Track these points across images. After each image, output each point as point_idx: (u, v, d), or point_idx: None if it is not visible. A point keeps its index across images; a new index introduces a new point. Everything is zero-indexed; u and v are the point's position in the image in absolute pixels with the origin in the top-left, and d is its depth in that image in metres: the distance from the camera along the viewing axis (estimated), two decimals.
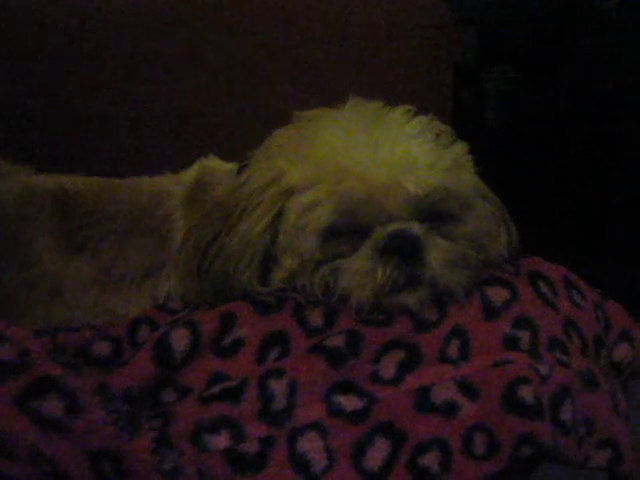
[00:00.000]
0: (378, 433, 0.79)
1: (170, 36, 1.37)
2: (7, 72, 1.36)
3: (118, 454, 0.73)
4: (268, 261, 0.90)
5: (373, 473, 0.78)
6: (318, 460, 0.78)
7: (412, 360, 0.83)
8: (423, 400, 0.81)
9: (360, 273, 0.85)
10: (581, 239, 2.00)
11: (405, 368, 0.82)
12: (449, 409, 0.80)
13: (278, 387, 0.80)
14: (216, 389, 0.80)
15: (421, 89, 1.37)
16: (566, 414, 0.83)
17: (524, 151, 2.13)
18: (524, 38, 2.13)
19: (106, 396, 0.76)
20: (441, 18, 1.40)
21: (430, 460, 0.79)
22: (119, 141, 1.37)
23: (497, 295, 0.88)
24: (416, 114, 0.92)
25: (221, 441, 0.77)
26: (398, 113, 0.92)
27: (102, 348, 0.85)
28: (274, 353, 0.83)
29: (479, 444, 0.80)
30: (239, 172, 0.97)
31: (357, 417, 0.80)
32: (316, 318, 0.85)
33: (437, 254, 0.85)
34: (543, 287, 0.90)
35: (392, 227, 0.86)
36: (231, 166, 1.03)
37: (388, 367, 0.82)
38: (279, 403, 0.79)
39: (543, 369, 0.83)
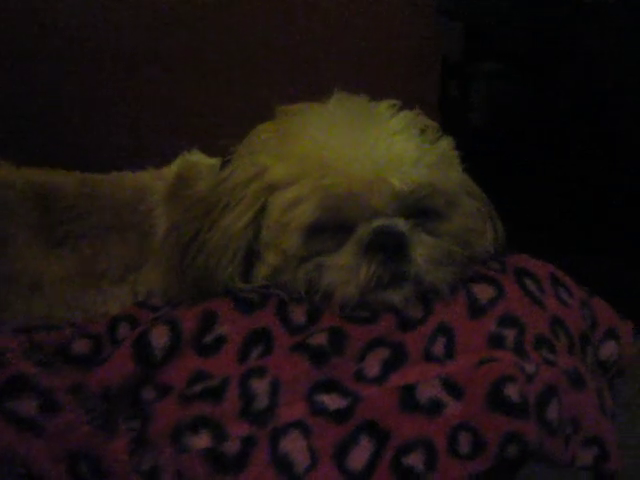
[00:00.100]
0: (362, 432, 0.77)
1: (170, 36, 1.37)
2: (7, 72, 1.35)
3: (95, 454, 0.71)
4: (251, 257, 0.87)
5: (357, 473, 0.76)
6: (301, 460, 0.76)
7: (397, 358, 0.81)
8: (408, 399, 0.79)
9: (344, 270, 0.83)
10: (580, 239, 1.99)
11: (390, 366, 0.81)
12: (434, 408, 0.79)
13: (260, 386, 0.78)
14: (197, 388, 0.78)
15: (407, 83, 1.37)
16: (552, 413, 0.82)
17: (512, 150, 2.12)
18: (515, 34, 2.11)
19: (83, 395, 0.74)
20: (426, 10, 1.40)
21: (414, 460, 0.77)
22: (119, 141, 1.37)
23: (483, 292, 0.86)
24: (401, 109, 0.90)
25: (202, 441, 0.76)
26: (383, 108, 0.90)
27: (81, 346, 0.82)
28: (257, 351, 0.81)
29: (464, 443, 0.78)
30: (222, 167, 0.95)
31: (340, 416, 0.78)
32: (299, 315, 0.83)
33: (422, 251, 0.84)
34: (530, 284, 0.89)
35: (377, 223, 0.84)
36: (214, 161, 1.00)
37: (372, 365, 0.81)
38: (261, 402, 0.78)
39: (529, 367, 0.82)
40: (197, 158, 1.04)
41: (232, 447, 0.76)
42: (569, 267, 0.96)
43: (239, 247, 0.86)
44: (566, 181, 2.06)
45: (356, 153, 0.84)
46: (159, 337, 0.80)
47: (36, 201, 0.97)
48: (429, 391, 0.79)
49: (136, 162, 1.07)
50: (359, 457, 0.77)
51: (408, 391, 0.79)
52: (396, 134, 0.86)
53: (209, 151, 1.07)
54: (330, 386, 0.79)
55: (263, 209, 0.86)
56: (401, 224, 0.84)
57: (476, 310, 0.85)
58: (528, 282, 0.89)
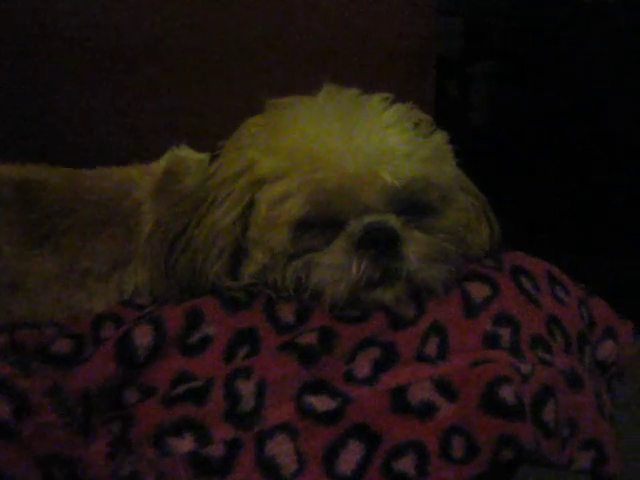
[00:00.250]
0: (351, 435, 0.74)
1: (170, 36, 1.35)
2: (7, 72, 1.33)
3: (70, 459, 0.68)
4: (238, 254, 0.84)
5: (346, 477, 0.73)
6: (288, 464, 0.72)
7: (388, 358, 0.77)
8: (399, 400, 0.75)
9: (334, 267, 0.79)
10: (580, 239, 1.97)
11: (380, 367, 0.77)
12: (426, 410, 0.75)
13: (246, 387, 0.74)
14: (181, 389, 0.75)
15: (407, 83, 1.36)
16: (549, 415, 0.78)
17: (511, 149, 2.11)
18: (515, 34, 2.09)
19: (60, 397, 0.70)
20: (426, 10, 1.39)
21: (406, 464, 0.73)
22: (119, 141, 1.35)
23: (477, 291, 0.83)
24: (394, 102, 0.86)
25: (185, 444, 0.72)
26: (375, 101, 0.86)
27: (62, 346, 0.79)
28: (243, 351, 0.78)
29: (457, 447, 0.74)
30: (211, 162, 0.91)
31: (329, 418, 0.74)
32: (288, 314, 0.80)
33: (415, 248, 0.80)
34: (525, 283, 0.85)
35: (368, 219, 0.80)
36: (203, 156, 0.97)
37: (363, 366, 0.77)
38: (247, 404, 0.74)
39: (525, 368, 0.78)
40: (186, 153, 1.01)
41: (216, 450, 0.72)
42: (569, 267, 0.93)
43: (226, 244, 0.83)
44: (566, 181, 2.05)
45: (347, 146, 0.80)
46: (142, 337, 0.77)
47: (18, 197, 0.93)
48: (421, 393, 0.76)
49: (136, 162, 1.04)
50: (348, 461, 0.73)
51: (399, 392, 0.75)
52: (388, 127, 0.83)
53: (209, 151, 1.03)
54: (319, 387, 0.76)
55: (251, 205, 0.83)
56: (393, 220, 0.81)
57: (470, 309, 0.81)
58: (524, 280, 0.85)
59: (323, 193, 0.79)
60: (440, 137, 0.86)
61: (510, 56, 2.09)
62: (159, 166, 0.99)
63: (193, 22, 1.35)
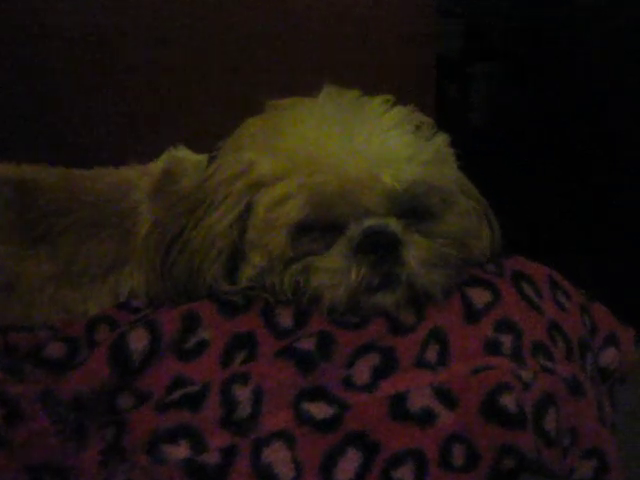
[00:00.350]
0: (350, 443, 0.71)
1: (170, 36, 1.35)
2: (7, 72, 1.33)
3: (62, 467, 0.66)
4: (236, 258, 0.82)
5: None
6: (285, 472, 0.70)
7: (387, 365, 0.75)
8: (398, 408, 0.73)
9: (333, 272, 0.77)
10: (580, 239, 1.96)
11: (380, 373, 0.75)
12: (426, 418, 0.73)
13: (242, 393, 0.72)
14: (176, 395, 0.73)
15: (406, 82, 1.36)
16: (550, 423, 0.76)
17: (512, 150, 2.09)
18: (515, 34, 2.08)
19: (52, 403, 0.68)
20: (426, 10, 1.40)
21: (404, 473, 0.71)
22: (119, 141, 1.34)
23: (479, 297, 0.81)
24: (395, 104, 0.85)
25: (180, 451, 0.70)
26: (376, 103, 0.84)
27: (55, 349, 0.77)
28: (240, 356, 0.76)
29: (458, 455, 0.72)
30: (209, 163, 0.89)
31: (327, 426, 0.72)
32: (286, 319, 0.78)
33: (415, 252, 0.78)
34: (527, 288, 0.83)
35: (368, 223, 0.78)
36: (201, 157, 0.95)
37: (362, 372, 0.75)
38: (243, 410, 0.72)
39: (526, 375, 0.76)
40: (184, 154, 0.99)
41: (212, 458, 0.70)
42: (569, 267, 0.91)
43: (223, 247, 0.81)
44: (566, 181, 2.04)
45: (347, 149, 0.78)
46: (137, 340, 0.75)
47: (13, 197, 0.92)
48: (421, 400, 0.73)
49: (135, 162, 1.03)
50: (346, 470, 0.71)
51: (399, 400, 0.73)
52: (389, 130, 0.81)
53: (208, 152, 1.02)
54: (317, 394, 0.73)
55: (249, 207, 0.81)
56: (393, 224, 0.79)
57: (471, 315, 0.79)
58: (525, 286, 0.83)
59: (323, 196, 0.77)
60: (441, 140, 0.85)
61: (510, 56, 2.08)
62: (157, 167, 0.97)
63: (193, 22, 1.35)
